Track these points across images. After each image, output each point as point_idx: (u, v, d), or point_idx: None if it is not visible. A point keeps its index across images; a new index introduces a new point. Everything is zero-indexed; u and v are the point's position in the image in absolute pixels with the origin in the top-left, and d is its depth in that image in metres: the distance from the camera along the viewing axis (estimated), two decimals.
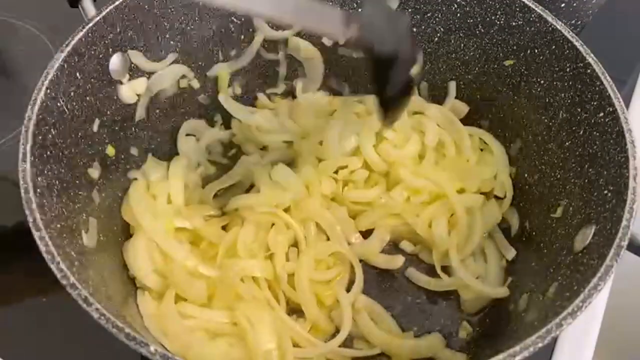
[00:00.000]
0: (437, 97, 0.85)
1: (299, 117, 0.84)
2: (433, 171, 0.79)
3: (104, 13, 0.65)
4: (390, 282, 0.76)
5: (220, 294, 0.68)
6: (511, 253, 0.74)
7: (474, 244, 0.74)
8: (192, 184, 0.79)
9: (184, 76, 0.79)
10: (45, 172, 0.57)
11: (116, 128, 0.72)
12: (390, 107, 0.69)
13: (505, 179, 0.78)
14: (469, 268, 0.73)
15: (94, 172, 0.67)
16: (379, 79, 0.65)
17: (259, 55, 0.84)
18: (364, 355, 0.68)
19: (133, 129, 0.75)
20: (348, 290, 0.72)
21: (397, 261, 0.76)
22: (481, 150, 0.82)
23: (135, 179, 0.75)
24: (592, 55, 0.66)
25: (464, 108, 0.83)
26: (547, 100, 0.71)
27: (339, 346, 0.67)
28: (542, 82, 0.72)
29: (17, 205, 0.52)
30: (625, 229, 0.54)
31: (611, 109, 0.62)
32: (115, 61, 0.68)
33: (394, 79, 0.64)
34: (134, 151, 0.76)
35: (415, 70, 0.65)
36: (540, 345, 0.48)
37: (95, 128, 0.67)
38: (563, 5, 0.88)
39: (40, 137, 0.57)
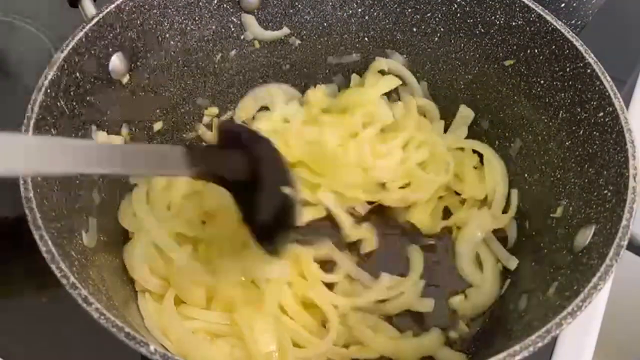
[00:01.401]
0: (437, 96, 0.85)
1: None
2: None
3: (104, 13, 0.65)
4: None
5: (218, 297, 0.68)
6: (513, 262, 0.73)
7: None
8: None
9: None
10: None
11: (116, 128, 0.72)
12: (269, 238, 0.62)
13: (504, 194, 0.78)
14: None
15: None
16: (242, 205, 0.61)
17: None
18: (365, 357, 0.68)
19: (133, 129, 0.75)
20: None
21: None
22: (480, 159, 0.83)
23: (136, 184, 0.75)
24: (592, 55, 0.65)
25: (469, 113, 0.83)
26: (547, 100, 0.71)
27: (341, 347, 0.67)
28: (542, 82, 0.72)
29: (17, 205, 0.52)
30: (625, 229, 0.54)
31: (611, 109, 0.62)
32: (115, 61, 0.68)
33: (263, 205, 0.60)
34: None
35: (289, 191, 0.61)
36: (540, 345, 0.48)
37: (95, 128, 0.67)
38: (563, 5, 0.88)
39: None
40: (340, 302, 0.70)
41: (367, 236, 0.77)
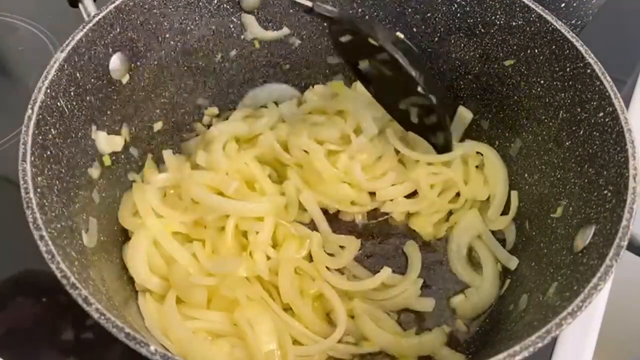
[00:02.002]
0: None
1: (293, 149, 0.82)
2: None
3: (104, 13, 0.65)
4: None
5: (218, 297, 0.68)
6: (513, 262, 0.73)
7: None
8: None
9: None
10: (45, 172, 0.57)
11: (116, 128, 0.72)
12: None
13: (504, 197, 0.78)
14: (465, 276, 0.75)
15: (94, 172, 0.67)
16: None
17: None
18: (365, 352, 0.68)
19: (133, 129, 0.75)
20: None
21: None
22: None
23: (134, 181, 0.75)
24: (592, 55, 0.65)
25: (468, 115, 0.84)
26: (547, 100, 0.71)
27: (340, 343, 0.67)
28: (542, 82, 0.72)
29: (17, 205, 0.52)
30: (625, 229, 0.54)
31: (611, 109, 0.62)
32: (115, 61, 0.68)
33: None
34: (133, 151, 0.76)
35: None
36: (540, 345, 0.48)
37: (95, 128, 0.67)
38: (563, 5, 0.88)
39: (40, 137, 0.57)
40: (342, 285, 0.71)
41: (347, 245, 0.77)
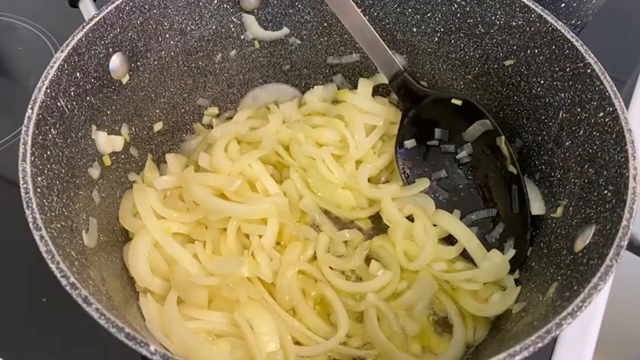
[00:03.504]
0: None
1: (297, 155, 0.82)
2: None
3: (104, 13, 0.65)
4: None
5: (219, 297, 0.68)
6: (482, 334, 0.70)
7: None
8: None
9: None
10: (45, 172, 0.57)
11: (116, 128, 0.72)
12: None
13: None
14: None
15: (94, 172, 0.67)
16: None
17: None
18: (366, 355, 0.68)
19: (133, 129, 0.75)
20: None
21: None
22: None
23: (134, 181, 0.75)
24: (592, 55, 0.66)
25: None
26: (547, 100, 0.71)
27: (341, 344, 0.67)
28: (542, 82, 0.72)
29: (17, 205, 0.52)
30: (625, 229, 0.54)
31: (611, 109, 0.62)
32: (115, 61, 0.68)
33: None
34: (133, 151, 0.76)
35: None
36: (540, 345, 0.48)
37: (95, 128, 0.67)
38: (563, 5, 0.88)
39: (40, 137, 0.57)
40: (344, 286, 0.72)
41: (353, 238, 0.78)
